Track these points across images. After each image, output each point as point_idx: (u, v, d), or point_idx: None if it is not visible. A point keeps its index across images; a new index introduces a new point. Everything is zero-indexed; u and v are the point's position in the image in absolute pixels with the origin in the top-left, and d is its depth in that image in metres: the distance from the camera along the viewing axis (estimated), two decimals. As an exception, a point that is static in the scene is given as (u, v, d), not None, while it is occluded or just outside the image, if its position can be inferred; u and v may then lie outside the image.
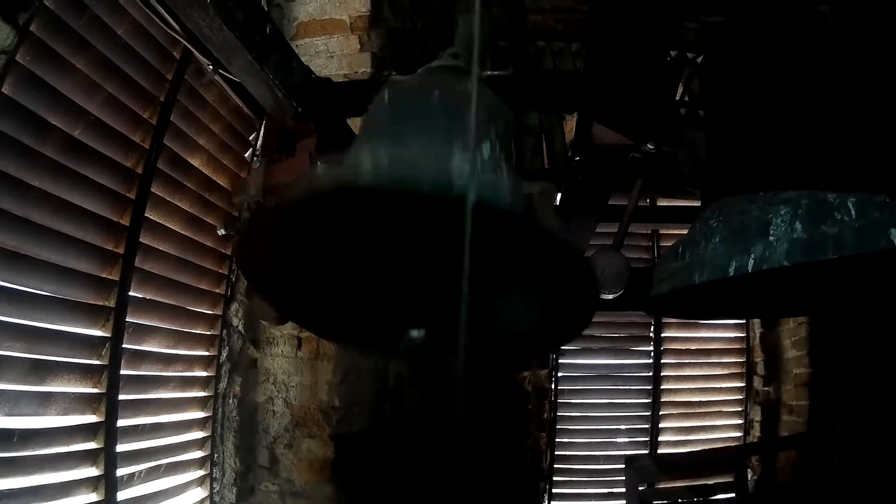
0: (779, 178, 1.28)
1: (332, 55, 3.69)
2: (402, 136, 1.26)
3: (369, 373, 3.71)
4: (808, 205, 1.18)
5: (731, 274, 1.20)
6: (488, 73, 1.52)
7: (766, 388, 5.61)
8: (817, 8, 1.34)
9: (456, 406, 1.02)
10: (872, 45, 1.33)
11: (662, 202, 3.07)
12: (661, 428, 5.74)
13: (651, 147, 1.48)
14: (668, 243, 5.65)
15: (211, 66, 2.91)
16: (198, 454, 3.30)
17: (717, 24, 1.61)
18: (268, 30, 1.42)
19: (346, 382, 3.46)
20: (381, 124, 1.34)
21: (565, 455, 5.66)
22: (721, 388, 5.92)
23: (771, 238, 1.18)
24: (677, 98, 2.77)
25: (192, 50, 2.82)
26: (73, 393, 2.44)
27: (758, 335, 5.73)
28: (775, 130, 1.36)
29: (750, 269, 1.17)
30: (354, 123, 1.88)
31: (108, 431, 2.54)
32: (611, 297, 1.52)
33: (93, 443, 2.51)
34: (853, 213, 1.14)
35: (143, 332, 2.85)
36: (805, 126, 1.32)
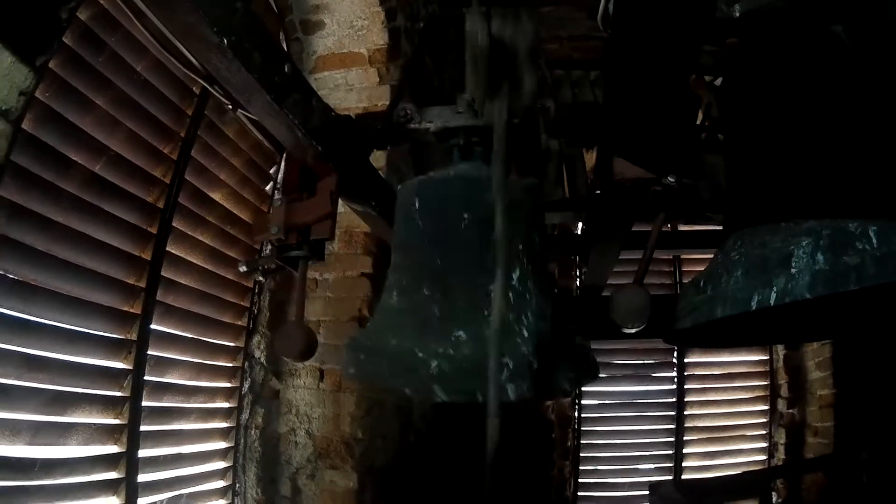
0: (799, 205, 1.27)
1: (352, 88, 3.72)
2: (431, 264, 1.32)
3: (393, 406, 3.70)
4: (829, 235, 1.17)
5: (754, 308, 1.19)
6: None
7: (790, 411, 5.58)
8: (830, 28, 1.33)
9: (481, 438, 1.02)
10: (889, 65, 1.32)
11: (684, 228, 3.05)
12: (686, 453, 5.72)
13: (672, 180, 1.48)
14: (691, 268, 5.66)
15: (230, 106, 2.93)
16: (220, 484, 3.30)
17: (732, 47, 1.60)
18: (286, 69, 1.42)
19: (369, 415, 3.46)
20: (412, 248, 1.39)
21: (589, 483, 5.65)
22: (745, 411, 5.91)
23: (793, 270, 1.17)
24: (697, 122, 2.75)
25: (211, 90, 2.85)
26: (95, 424, 2.46)
27: (781, 357, 5.71)
28: (794, 155, 1.35)
29: (772, 302, 1.16)
30: (375, 158, 1.89)
31: (129, 461, 2.55)
32: (633, 331, 1.51)
33: (114, 472, 2.52)
34: (875, 241, 1.13)
35: (165, 364, 2.86)
36: (823, 151, 1.31)
